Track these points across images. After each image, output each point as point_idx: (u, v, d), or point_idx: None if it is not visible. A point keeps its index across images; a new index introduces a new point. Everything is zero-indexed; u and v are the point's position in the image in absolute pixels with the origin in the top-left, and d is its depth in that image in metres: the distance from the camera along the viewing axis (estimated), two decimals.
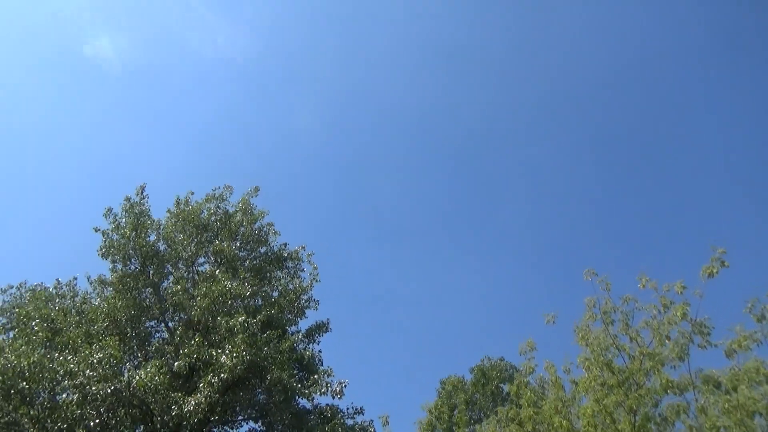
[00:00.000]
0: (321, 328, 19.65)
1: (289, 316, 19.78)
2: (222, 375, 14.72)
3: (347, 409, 17.77)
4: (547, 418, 11.68)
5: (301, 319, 20.43)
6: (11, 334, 15.29)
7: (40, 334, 15.20)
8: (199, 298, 16.16)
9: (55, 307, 16.49)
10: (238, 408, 17.07)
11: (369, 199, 47.72)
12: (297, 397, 17.08)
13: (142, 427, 15.29)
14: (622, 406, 11.11)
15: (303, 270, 21.05)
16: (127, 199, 17.92)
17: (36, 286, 16.92)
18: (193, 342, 15.32)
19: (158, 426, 15.24)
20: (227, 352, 14.85)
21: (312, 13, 43.93)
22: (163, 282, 18.98)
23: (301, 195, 46.11)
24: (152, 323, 18.24)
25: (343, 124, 46.26)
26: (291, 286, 20.41)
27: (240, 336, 14.99)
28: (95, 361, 13.70)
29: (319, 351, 19.50)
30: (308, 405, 17.92)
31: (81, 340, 15.14)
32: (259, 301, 18.41)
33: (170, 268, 19.00)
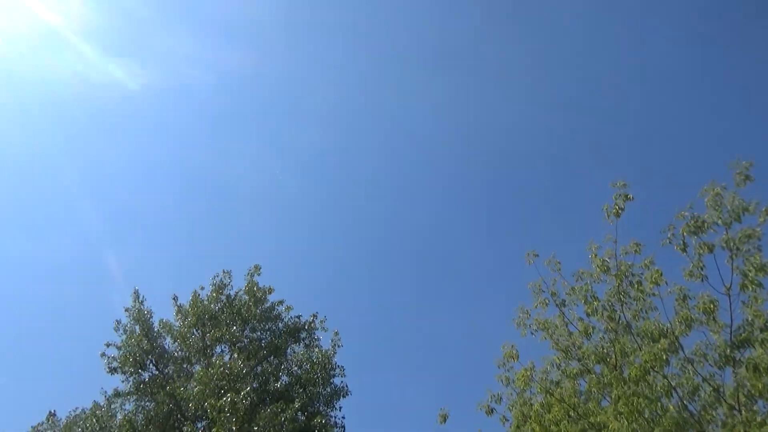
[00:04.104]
0: (339, 393, 19.64)
1: (311, 387, 20.05)
2: None
3: None
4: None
5: (326, 387, 20.59)
6: None
7: None
8: (193, 384, 17.18)
9: (86, 430, 18.40)
10: None
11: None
12: None
13: None
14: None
15: (319, 338, 21.51)
16: (128, 310, 19.89)
17: (73, 412, 19.17)
18: (186, 430, 16.16)
19: None
20: None
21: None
22: (187, 384, 20.33)
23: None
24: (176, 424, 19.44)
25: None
26: (315, 358, 20.86)
27: (224, 415, 15.56)
28: None
29: (343, 417, 19.42)
30: None
31: None
32: (265, 377, 18.94)
33: (188, 367, 20.41)
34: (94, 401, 20.55)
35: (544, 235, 42.90)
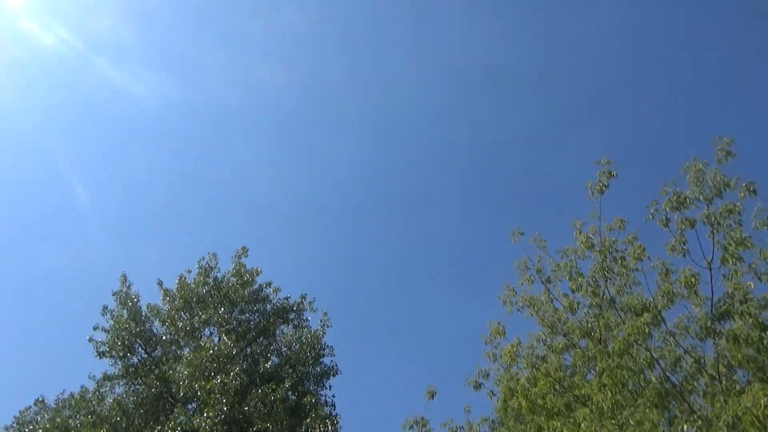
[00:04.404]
0: (328, 372, 19.87)
1: (301, 367, 20.22)
2: None
3: None
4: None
5: (316, 367, 20.79)
6: None
7: None
8: (183, 367, 17.25)
9: (74, 413, 18.39)
10: None
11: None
12: None
13: None
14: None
15: (308, 319, 21.63)
16: (116, 293, 19.86)
17: (60, 396, 19.17)
18: (177, 413, 16.26)
19: None
20: (205, 415, 15.57)
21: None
22: (176, 366, 20.33)
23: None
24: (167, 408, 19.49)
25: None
26: (304, 338, 21.00)
27: (214, 396, 15.67)
28: None
29: (333, 396, 19.68)
30: None
31: None
32: (254, 358, 19.07)
33: (176, 350, 20.44)
34: (83, 386, 20.54)
35: (530, 214, 43.39)
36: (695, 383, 9.90)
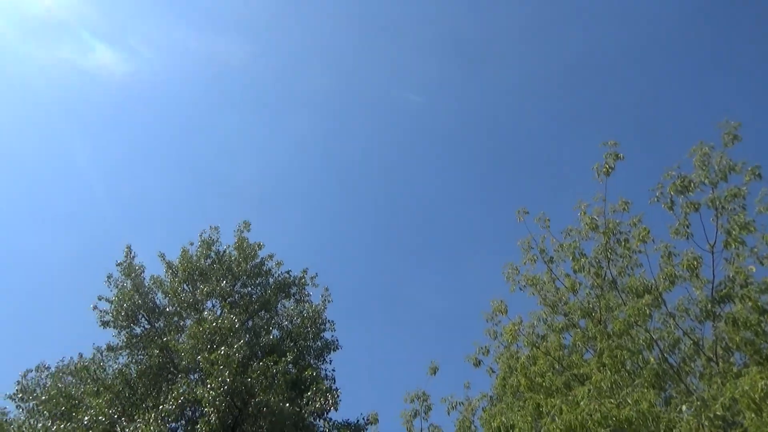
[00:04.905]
0: (329, 346, 20.13)
1: (302, 341, 20.45)
2: (211, 412, 15.58)
3: (358, 421, 17.94)
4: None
5: (317, 341, 21.03)
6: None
7: (62, 408, 17.21)
8: (185, 339, 17.43)
9: (76, 382, 18.62)
10: None
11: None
12: (304, 420, 17.52)
13: None
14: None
15: (309, 294, 21.82)
16: (120, 264, 19.99)
17: (60, 363, 19.35)
18: (179, 384, 16.48)
19: None
20: (207, 386, 15.78)
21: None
22: (179, 336, 20.53)
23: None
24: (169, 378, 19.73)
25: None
26: (305, 313, 21.21)
27: (217, 368, 15.87)
28: (86, 423, 15.25)
29: (333, 370, 19.95)
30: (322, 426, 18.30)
31: (100, 408, 16.68)
32: (256, 332, 19.28)
33: (178, 322, 20.64)
34: (80, 354, 20.65)
35: (536, 194, 43.44)
36: (692, 365, 10.06)
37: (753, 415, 7.04)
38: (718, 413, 7.36)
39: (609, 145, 10.80)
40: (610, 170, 10.70)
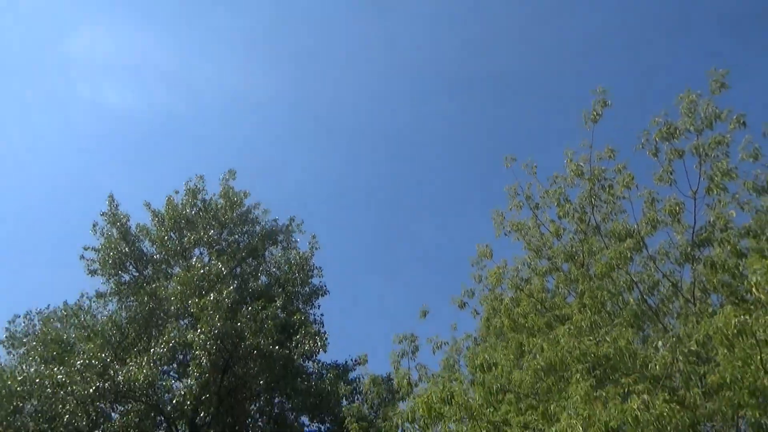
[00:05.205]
0: (317, 292, 20.46)
1: (290, 287, 20.70)
2: (202, 355, 15.87)
3: (346, 362, 18.54)
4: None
5: (305, 287, 21.33)
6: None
7: (54, 353, 17.40)
8: (174, 286, 17.57)
9: (67, 327, 18.80)
10: (245, 389, 18.25)
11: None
12: (293, 362, 17.95)
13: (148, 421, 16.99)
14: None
15: (296, 241, 21.97)
16: (105, 214, 19.93)
17: (45, 310, 19.48)
18: (170, 329, 16.71)
19: (162, 416, 16.86)
20: (198, 331, 16.03)
21: None
22: (168, 284, 20.66)
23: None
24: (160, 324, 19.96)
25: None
26: (293, 259, 21.39)
27: (207, 313, 16.08)
28: (78, 367, 15.46)
29: (321, 315, 20.37)
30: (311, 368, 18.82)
31: (93, 353, 16.87)
32: (244, 278, 19.49)
33: (166, 269, 20.75)
34: (65, 301, 20.74)
35: (524, 141, 43.47)
36: (670, 306, 10.41)
37: (725, 351, 7.37)
38: (692, 349, 7.71)
39: (598, 92, 10.84)
40: (597, 117, 10.76)
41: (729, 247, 9.41)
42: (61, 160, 46.50)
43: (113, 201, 21.05)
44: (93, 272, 20.22)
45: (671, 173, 10.36)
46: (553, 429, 7.28)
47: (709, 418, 8.17)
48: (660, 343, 8.10)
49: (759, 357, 7.01)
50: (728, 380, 7.21)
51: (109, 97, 46.84)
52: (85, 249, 20.61)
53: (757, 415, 7.47)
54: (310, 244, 22.03)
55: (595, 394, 7.68)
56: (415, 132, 48.34)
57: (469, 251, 13.24)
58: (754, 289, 7.82)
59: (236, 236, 22.29)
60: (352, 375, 19.49)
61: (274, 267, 22.01)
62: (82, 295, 20.17)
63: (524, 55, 46.03)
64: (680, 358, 7.75)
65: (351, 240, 46.03)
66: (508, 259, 12.31)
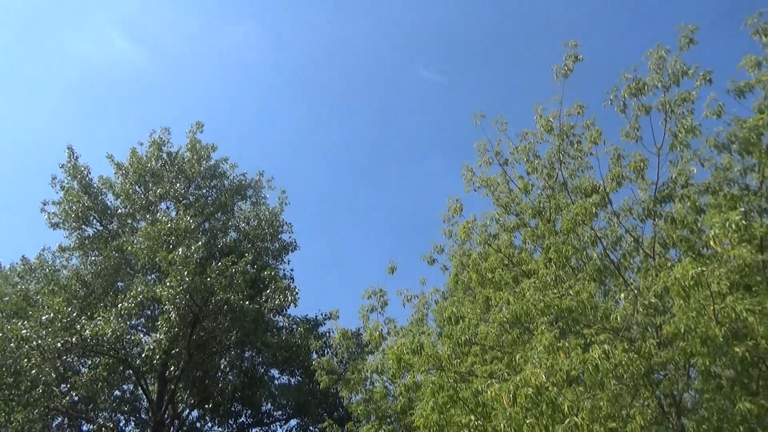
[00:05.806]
0: (287, 248, 20.47)
1: (259, 243, 20.62)
2: (171, 310, 15.80)
3: (316, 317, 18.78)
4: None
5: (275, 242, 21.28)
6: None
7: (15, 307, 17.10)
8: (141, 240, 17.34)
9: (29, 281, 18.46)
10: (215, 343, 18.32)
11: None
12: (264, 316, 18.05)
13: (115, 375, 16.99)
14: None
15: (266, 197, 21.84)
16: (64, 166, 19.40)
17: (4, 266, 19.13)
18: (137, 283, 16.56)
19: (131, 370, 16.86)
20: (167, 285, 15.92)
21: None
22: (134, 238, 20.36)
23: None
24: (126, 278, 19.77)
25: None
26: (262, 215, 21.25)
27: (175, 267, 15.94)
28: (43, 321, 15.25)
29: (291, 270, 20.47)
30: (282, 322, 18.97)
31: (58, 307, 16.61)
32: (213, 233, 19.32)
33: (132, 223, 20.42)
34: (23, 256, 20.34)
35: (496, 96, 43.40)
36: (632, 260, 10.75)
37: (681, 302, 7.71)
38: (651, 301, 8.03)
39: (569, 45, 10.78)
40: (568, 72, 10.74)
41: (689, 203, 9.68)
42: (18, 111, 44.65)
43: (72, 153, 20.46)
44: (55, 225, 19.81)
45: (638, 129, 10.50)
46: (517, 378, 7.57)
47: (662, 366, 8.60)
48: (621, 296, 8.40)
49: (712, 308, 7.34)
50: (682, 330, 7.57)
51: (74, 45, 44.87)
52: (44, 204, 20.13)
53: (708, 363, 7.90)
54: (279, 199, 21.96)
55: (558, 344, 7.96)
56: (386, 86, 47.78)
57: (440, 207, 13.37)
58: (711, 242, 8.13)
59: (204, 190, 22.00)
60: (322, 329, 19.82)
61: (243, 222, 21.88)
62: (44, 249, 19.79)
63: (498, 8, 45.47)
64: (640, 309, 8.07)
65: (321, 196, 45.89)
66: (477, 214, 12.46)
